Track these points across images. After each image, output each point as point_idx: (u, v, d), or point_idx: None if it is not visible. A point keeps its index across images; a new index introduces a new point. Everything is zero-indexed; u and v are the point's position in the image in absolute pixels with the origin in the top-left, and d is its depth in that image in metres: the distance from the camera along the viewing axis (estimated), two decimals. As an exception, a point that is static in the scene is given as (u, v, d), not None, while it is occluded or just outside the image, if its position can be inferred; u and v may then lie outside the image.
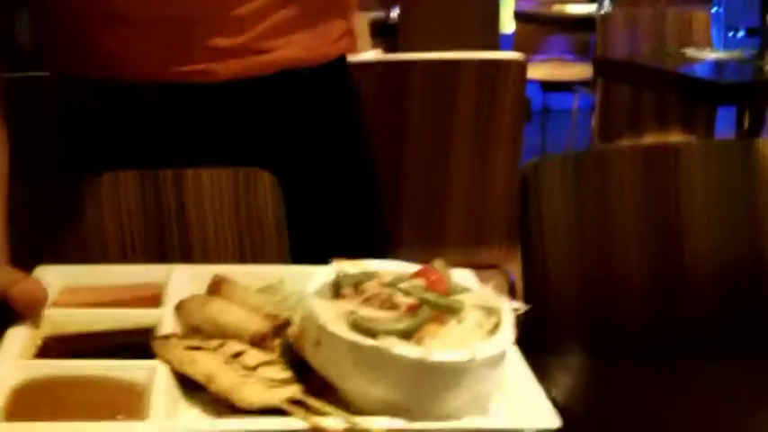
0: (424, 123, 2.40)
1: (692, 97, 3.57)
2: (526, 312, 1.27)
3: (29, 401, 0.80)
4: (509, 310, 0.87)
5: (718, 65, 3.62)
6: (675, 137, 3.73)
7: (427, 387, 0.81)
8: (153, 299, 0.99)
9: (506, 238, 2.43)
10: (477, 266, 2.51)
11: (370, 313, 0.82)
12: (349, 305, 0.84)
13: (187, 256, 1.26)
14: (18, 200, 1.16)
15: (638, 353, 1.21)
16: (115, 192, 1.26)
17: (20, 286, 0.91)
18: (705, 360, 1.13)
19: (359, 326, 0.81)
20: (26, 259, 1.00)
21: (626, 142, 3.76)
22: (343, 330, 0.81)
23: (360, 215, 1.42)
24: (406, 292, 0.84)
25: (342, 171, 1.40)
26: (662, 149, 1.42)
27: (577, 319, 1.35)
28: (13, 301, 0.90)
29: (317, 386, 0.85)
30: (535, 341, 0.89)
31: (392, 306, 0.84)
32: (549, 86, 5.52)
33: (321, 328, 0.82)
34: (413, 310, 0.83)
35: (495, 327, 0.86)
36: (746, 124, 3.42)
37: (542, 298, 1.33)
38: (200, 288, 0.99)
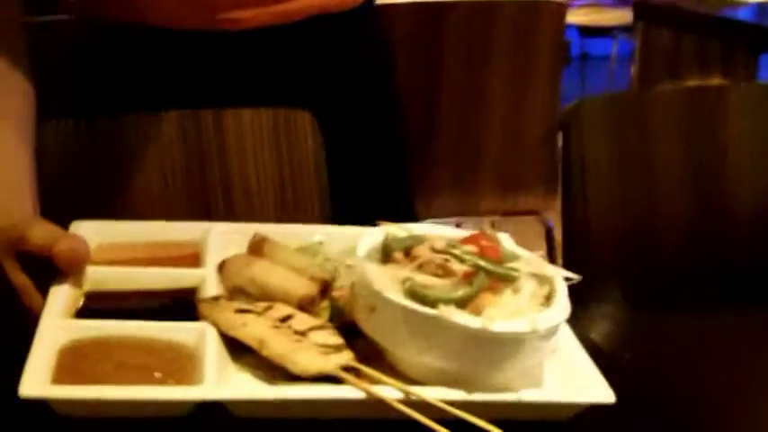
0: (459, 67, 2.34)
1: (734, 42, 3.48)
2: (568, 255, 1.25)
3: (79, 362, 0.79)
4: (561, 279, 0.86)
5: (761, 8, 3.52)
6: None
7: (483, 357, 0.80)
8: (191, 257, 0.98)
9: (543, 184, 2.39)
10: (514, 213, 2.50)
11: (425, 280, 0.81)
12: (403, 271, 0.82)
13: (228, 196, 1.25)
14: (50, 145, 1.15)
15: (679, 297, 1.18)
16: (156, 132, 1.24)
17: (63, 243, 0.89)
18: (745, 307, 1.11)
19: (415, 293, 0.79)
20: (65, 208, 0.98)
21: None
22: (399, 297, 0.79)
23: (387, 158, 1.40)
24: (461, 259, 0.83)
25: (370, 114, 1.37)
26: (705, 90, 1.42)
27: (618, 260, 1.34)
28: (56, 259, 0.89)
29: (367, 352, 0.83)
30: (575, 285, 0.87)
31: (447, 273, 0.82)
32: (587, 32, 5.38)
33: (377, 295, 0.80)
34: (468, 277, 0.81)
35: (548, 296, 0.85)
36: None
37: (583, 241, 1.32)
38: (240, 247, 0.97)
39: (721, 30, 3.42)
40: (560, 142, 1.33)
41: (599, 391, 0.81)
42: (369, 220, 0.95)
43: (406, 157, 1.44)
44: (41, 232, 0.90)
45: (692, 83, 3.61)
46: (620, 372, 0.86)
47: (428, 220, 1.75)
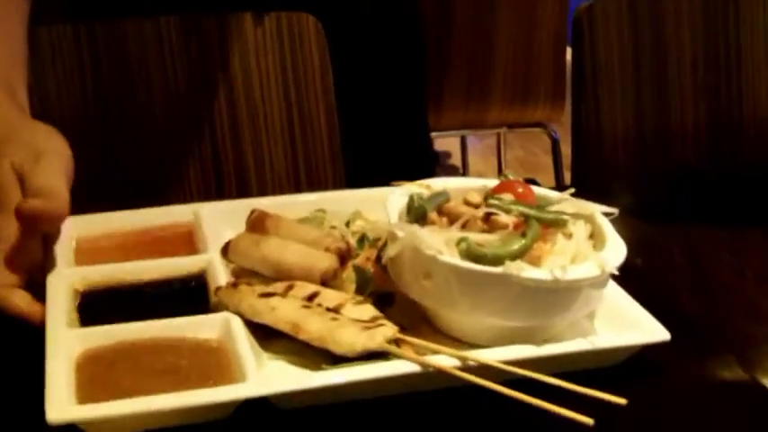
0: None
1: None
2: (579, 160, 1.20)
3: (103, 374, 0.71)
4: (602, 216, 0.82)
5: None
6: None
7: (549, 309, 0.75)
8: (186, 242, 0.90)
9: (551, 95, 2.38)
10: (522, 125, 2.49)
11: (478, 238, 0.75)
12: (449, 232, 0.76)
13: (232, 103, 1.20)
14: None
15: (687, 203, 1.15)
16: (157, 40, 1.18)
17: (30, 203, 0.76)
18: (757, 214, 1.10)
19: (473, 252, 0.74)
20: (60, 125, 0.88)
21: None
22: (457, 260, 0.74)
23: (402, 69, 1.34)
24: (507, 210, 0.77)
25: (385, 24, 1.31)
26: None
27: (630, 165, 1.31)
28: (17, 215, 0.76)
29: (402, 321, 0.77)
30: (588, 190, 0.84)
31: (495, 226, 0.76)
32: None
33: (433, 260, 0.74)
34: (519, 228, 0.76)
35: (592, 235, 0.81)
36: None
37: (594, 146, 1.29)
38: (237, 225, 0.89)
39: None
40: (569, 54, 1.29)
41: (654, 331, 0.77)
42: (378, 135, 0.88)
43: (420, 68, 1.38)
44: (17, 158, 0.79)
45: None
46: (635, 277, 0.83)
47: (434, 134, 1.70)
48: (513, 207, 0.77)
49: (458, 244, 0.74)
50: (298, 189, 1.21)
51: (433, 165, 1.42)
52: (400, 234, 0.76)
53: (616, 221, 0.81)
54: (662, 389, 0.76)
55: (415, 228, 0.76)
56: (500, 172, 1.09)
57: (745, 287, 0.93)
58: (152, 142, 1.16)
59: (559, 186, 0.87)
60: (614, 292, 0.82)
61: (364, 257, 0.85)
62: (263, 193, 1.19)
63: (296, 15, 1.21)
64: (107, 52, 1.16)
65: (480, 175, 2.65)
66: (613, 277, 0.79)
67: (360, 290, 0.82)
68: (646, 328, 0.78)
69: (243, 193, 1.19)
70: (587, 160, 1.25)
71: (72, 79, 1.14)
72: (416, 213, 0.80)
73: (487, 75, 2.38)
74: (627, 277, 0.80)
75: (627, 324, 0.79)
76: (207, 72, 1.19)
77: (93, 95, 1.15)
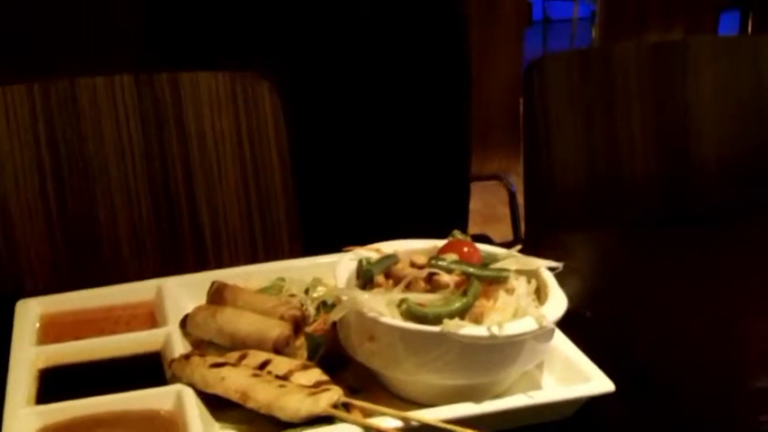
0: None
1: (696, -1, 3.46)
2: (532, 208, 1.20)
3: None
4: (547, 271, 0.83)
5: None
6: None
7: (491, 365, 0.76)
8: (148, 318, 0.92)
9: (507, 148, 2.38)
10: (479, 178, 2.48)
11: (419, 298, 0.76)
12: (391, 293, 0.78)
13: (186, 161, 1.21)
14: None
15: (641, 249, 1.16)
16: (112, 95, 1.20)
17: None
18: (708, 257, 1.11)
19: (413, 313, 0.75)
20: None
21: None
22: (398, 321, 0.75)
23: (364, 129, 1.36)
24: (448, 270, 0.79)
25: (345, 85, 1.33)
26: (667, 45, 1.40)
27: (582, 215, 1.32)
28: None
29: (354, 383, 0.80)
30: (540, 243, 0.86)
31: (437, 286, 0.78)
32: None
33: (375, 323, 0.76)
34: (460, 286, 0.78)
35: (537, 290, 0.82)
36: (750, 28, 3.32)
37: (546, 196, 1.30)
38: (199, 297, 0.91)
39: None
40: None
41: (598, 382, 0.78)
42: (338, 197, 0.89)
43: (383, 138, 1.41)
44: None
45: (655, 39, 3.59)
46: (582, 327, 0.84)
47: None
48: (455, 266, 0.79)
49: (399, 305, 0.76)
50: (253, 247, 1.22)
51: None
52: (344, 298, 0.78)
53: (566, 273, 0.82)
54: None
55: (357, 292, 0.78)
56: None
57: (696, 338, 0.94)
58: (106, 199, 1.18)
59: (516, 239, 0.88)
60: (563, 343, 0.83)
61: (321, 322, 0.87)
62: (217, 251, 1.20)
63: (249, 75, 1.22)
64: (61, 111, 1.18)
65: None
66: (564, 328, 0.80)
67: (311, 355, 0.83)
68: (592, 380, 0.78)
69: (198, 250, 1.20)
70: (541, 211, 1.26)
71: (26, 136, 1.16)
72: (364, 277, 0.81)
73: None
74: (577, 328, 0.81)
75: (575, 376, 0.80)
76: (161, 130, 1.20)
77: (48, 152, 1.17)
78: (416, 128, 1.38)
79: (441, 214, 1.35)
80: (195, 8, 1.27)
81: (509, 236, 2.17)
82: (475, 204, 1.96)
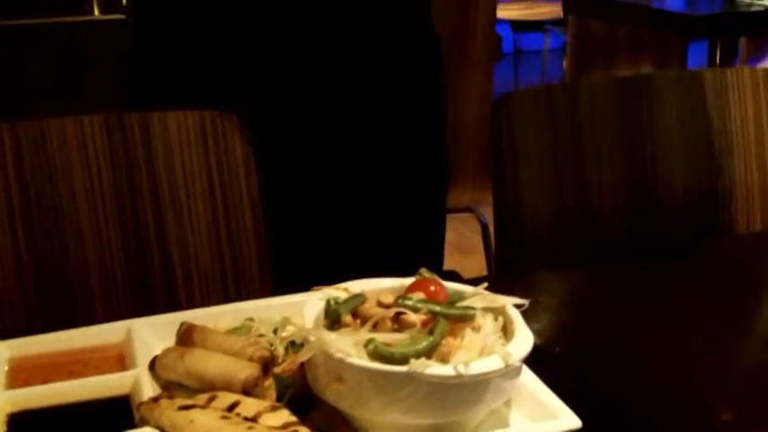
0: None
1: (665, 30, 3.52)
2: (502, 244, 1.21)
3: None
4: (513, 308, 0.84)
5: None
6: (649, 74, 3.70)
7: (459, 404, 0.76)
8: (117, 360, 0.91)
9: (477, 180, 2.38)
10: (450, 210, 2.49)
11: (386, 338, 0.77)
12: (359, 333, 0.78)
13: (156, 200, 1.21)
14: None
15: (612, 284, 1.17)
16: (81, 136, 1.19)
17: None
18: (680, 293, 1.12)
19: (380, 353, 0.75)
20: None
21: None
22: (365, 361, 0.75)
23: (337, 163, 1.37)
24: (415, 308, 0.79)
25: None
26: (634, 79, 1.42)
27: (551, 249, 1.33)
28: None
29: (322, 424, 0.79)
30: (510, 276, 0.86)
31: (404, 326, 0.78)
32: (519, 26, 5.43)
33: (342, 363, 0.76)
34: (427, 325, 0.78)
35: (504, 327, 0.82)
36: (718, 59, 3.38)
37: (515, 231, 1.31)
38: (168, 339, 0.91)
39: (652, 18, 3.48)
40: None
41: (565, 418, 0.79)
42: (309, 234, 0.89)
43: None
44: None
45: (623, 72, 3.65)
46: (552, 362, 0.85)
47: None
48: (422, 305, 0.79)
49: (366, 345, 0.76)
50: (224, 286, 1.22)
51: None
52: (312, 339, 0.78)
53: (536, 308, 0.83)
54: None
55: (324, 332, 0.78)
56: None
57: (666, 372, 0.94)
58: (76, 239, 1.17)
59: (490, 271, 0.89)
60: (530, 380, 0.83)
61: (290, 363, 0.86)
62: (189, 291, 1.20)
63: (218, 114, 1.23)
64: (29, 151, 1.17)
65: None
66: (534, 364, 0.81)
67: (280, 396, 0.83)
68: (559, 417, 0.79)
69: (169, 289, 1.20)
70: (510, 244, 1.27)
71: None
72: (332, 317, 0.81)
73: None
74: (547, 363, 0.81)
75: (542, 413, 0.80)
76: (131, 170, 1.20)
77: (18, 194, 1.16)
78: (392, 161, 1.38)
79: (417, 247, 1.35)
80: (164, 48, 1.27)
81: (483, 266, 2.17)
82: (449, 236, 1.97)
